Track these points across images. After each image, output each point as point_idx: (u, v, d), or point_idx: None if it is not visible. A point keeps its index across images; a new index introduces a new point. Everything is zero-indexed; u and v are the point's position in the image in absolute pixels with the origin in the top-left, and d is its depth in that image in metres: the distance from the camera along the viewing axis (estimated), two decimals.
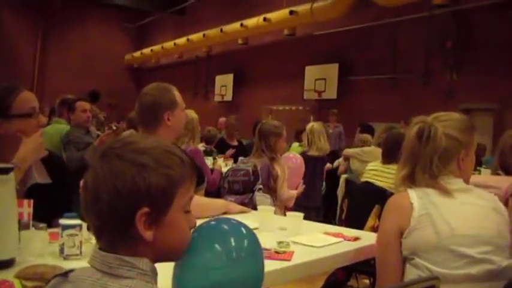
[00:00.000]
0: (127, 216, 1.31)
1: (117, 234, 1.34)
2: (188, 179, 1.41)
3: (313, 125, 6.89)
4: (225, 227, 1.54)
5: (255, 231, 2.72)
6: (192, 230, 1.48)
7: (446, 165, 2.31)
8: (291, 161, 5.56)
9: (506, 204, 2.61)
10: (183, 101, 3.21)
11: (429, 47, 13.34)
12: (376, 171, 4.99)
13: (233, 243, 1.47)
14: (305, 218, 3.00)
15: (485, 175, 3.46)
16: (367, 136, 8.27)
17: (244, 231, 1.54)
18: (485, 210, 2.29)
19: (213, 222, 1.55)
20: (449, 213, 2.22)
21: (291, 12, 15.64)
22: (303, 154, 6.65)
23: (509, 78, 11.94)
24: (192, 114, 5.93)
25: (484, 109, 12.80)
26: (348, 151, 8.11)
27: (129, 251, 1.34)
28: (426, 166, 2.31)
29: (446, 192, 2.27)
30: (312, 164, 6.67)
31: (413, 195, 2.28)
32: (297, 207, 6.40)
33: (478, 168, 6.99)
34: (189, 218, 1.45)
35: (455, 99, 12.80)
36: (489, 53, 12.25)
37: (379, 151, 5.67)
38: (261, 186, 4.33)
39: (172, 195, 1.36)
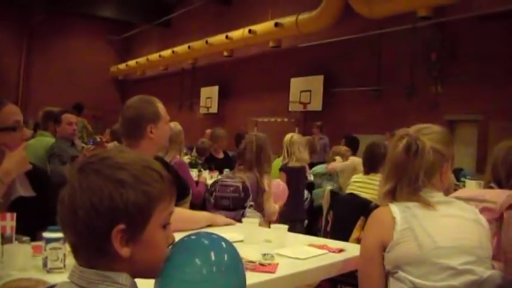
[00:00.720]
0: (103, 232, 1.29)
1: (93, 251, 1.32)
2: (167, 196, 1.39)
3: (292, 136, 6.82)
4: (205, 241, 1.53)
5: (240, 243, 2.75)
6: (172, 244, 1.47)
7: (430, 178, 2.33)
8: (275, 188, 5.46)
9: (501, 217, 2.64)
10: (167, 114, 3.20)
11: (414, 58, 13.41)
12: (361, 183, 5.00)
13: (213, 258, 1.46)
14: (291, 230, 3.00)
15: (481, 189, 3.45)
16: (343, 148, 8.21)
17: (224, 245, 1.53)
18: (466, 222, 2.30)
19: (193, 237, 1.54)
20: (432, 226, 2.22)
21: (276, 24, 15.70)
22: (284, 166, 6.64)
23: (493, 89, 12.03)
24: (177, 126, 5.92)
25: (468, 120, 12.88)
26: (335, 166, 7.89)
27: (106, 267, 1.32)
28: (412, 180, 2.32)
29: (428, 205, 2.27)
30: (294, 175, 6.63)
31: (396, 209, 2.28)
32: (282, 220, 6.45)
33: (462, 179, 7.01)
34: (168, 234, 1.43)
35: (440, 110, 12.87)
36: (473, 65, 12.34)
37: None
38: (252, 203, 4.33)
39: (150, 212, 1.34)
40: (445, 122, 12.72)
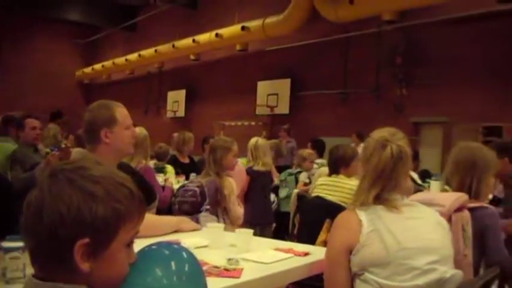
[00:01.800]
0: (66, 243, 1.26)
1: (52, 261, 1.29)
2: (136, 215, 1.37)
3: (257, 140, 6.83)
4: (166, 251, 1.52)
5: (205, 248, 2.73)
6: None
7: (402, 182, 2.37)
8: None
9: (449, 220, 2.67)
10: (127, 119, 3.13)
11: (379, 62, 13.53)
12: (326, 186, 5.01)
13: (174, 267, 1.45)
14: (260, 234, 2.99)
15: (430, 192, 3.51)
16: (306, 151, 8.20)
17: (185, 255, 1.52)
18: (429, 223, 2.34)
19: (154, 246, 1.53)
20: (397, 227, 2.24)
21: (243, 28, 15.71)
22: (249, 169, 6.65)
23: (457, 92, 12.20)
24: (142, 131, 5.86)
25: (433, 122, 13.05)
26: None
27: (64, 279, 1.28)
28: (396, 186, 2.35)
29: (393, 207, 2.29)
30: (259, 179, 6.68)
31: (362, 212, 2.29)
32: (249, 225, 6.45)
33: (427, 180, 7.08)
34: (130, 253, 1.40)
35: (405, 113, 13.01)
36: (437, 68, 12.50)
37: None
38: (208, 207, 4.31)
39: (116, 229, 1.31)
40: (411, 124, 12.87)
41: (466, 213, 2.78)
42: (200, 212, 4.24)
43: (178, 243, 2.51)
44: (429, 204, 2.62)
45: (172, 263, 1.46)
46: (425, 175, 8.04)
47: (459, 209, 2.77)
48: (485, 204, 3.07)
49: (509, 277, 2.92)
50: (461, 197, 2.84)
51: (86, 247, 1.27)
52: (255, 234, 2.93)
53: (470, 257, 2.71)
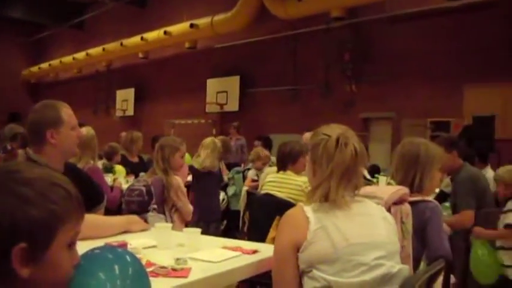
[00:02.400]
0: (2, 250, 1.21)
1: None
2: (74, 215, 1.33)
3: (207, 140, 6.86)
4: (110, 255, 1.50)
5: (153, 249, 2.70)
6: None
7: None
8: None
9: (388, 212, 2.69)
10: (72, 119, 3.08)
11: (328, 59, 13.62)
12: (275, 182, 5.01)
13: (117, 271, 1.43)
14: (205, 232, 2.97)
15: (374, 186, 3.57)
16: (267, 154, 8.20)
17: (128, 258, 1.50)
18: (375, 219, 2.35)
19: (97, 251, 1.50)
20: (344, 224, 2.25)
21: (192, 25, 15.65)
22: (193, 168, 6.72)
23: (405, 88, 12.38)
24: (89, 131, 5.77)
25: (382, 118, 13.19)
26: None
27: (4, 287, 1.24)
28: (357, 183, 2.39)
29: (342, 204, 2.30)
30: (207, 177, 6.70)
31: (309, 208, 2.29)
32: (196, 222, 6.40)
33: (376, 176, 7.16)
34: (73, 254, 1.37)
35: (355, 109, 13.14)
36: (385, 65, 12.66)
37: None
38: (155, 206, 4.28)
39: (54, 232, 1.28)
40: (360, 120, 13.01)
41: (406, 206, 2.81)
42: (148, 211, 4.20)
43: (125, 244, 2.48)
44: (371, 197, 2.65)
45: (116, 267, 1.44)
46: (374, 170, 8.13)
47: (399, 202, 2.79)
48: (427, 198, 3.12)
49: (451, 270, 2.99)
50: (401, 190, 2.86)
51: (23, 252, 1.23)
52: (203, 231, 2.92)
53: (410, 250, 2.74)
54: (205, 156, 6.59)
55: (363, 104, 13.10)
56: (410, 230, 2.77)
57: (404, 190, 2.88)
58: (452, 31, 11.80)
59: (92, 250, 1.50)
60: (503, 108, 11.40)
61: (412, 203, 2.88)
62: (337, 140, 2.36)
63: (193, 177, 6.80)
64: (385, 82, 12.63)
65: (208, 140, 6.87)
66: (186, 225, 6.69)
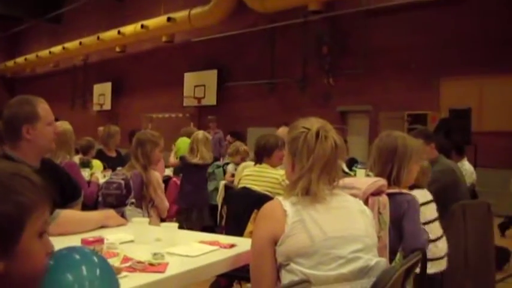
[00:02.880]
0: None
1: None
2: (40, 203, 1.31)
3: (197, 134, 6.92)
4: (77, 256, 1.48)
5: (130, 243, 2.69)
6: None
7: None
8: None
9: (366, 203, 2.72)
10: (49, 114, 3.03)
11: (306, 52, 13.64)
12: (252, 176, 5.01)
13: (85, 273, 1.42)
14: (188, 220, 2.95)
15: (353, 178, 3.58)
16: (246, 149, 8.17)
17: (96, 259, 1.49)
18: (353, 212, 2.35)
19: (64, 252, 1.49)
20: (322, 217, 2.25)
21: (169, 19, 15.58)
22: (185, 161, 6.72)
23: (383, 81, 12.44)
24: (65, 126, 5.71)
25: (359, 111, 13.25)
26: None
27: None
28: (336, 176, 2.37)
29: (320, 197, 2.30)
30: (197, 171, 6.82)
31: (287, 202, 2.29)
32: (181, 209, 6.61)
33: (354, 169, 7.19)
34: (45, 242, 1.35)
35: (332, 102, 13.18)
36: (363, 58, 12.70)
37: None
38: (133, 200, 4.25)
39: (22, 223, 1.26)
40: (338, 113, 13.05)
41: (384, 198, 2.84)
42: (125, 205, 4.18)
43: (101, 240, 2.47)
44: (350, 187, 2.68)
45: (84, 268, 1.43)
46: (352, 163, 8.16)
47: (377, 193, 2.82)
48: (404, 191, 3.14)
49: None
50: (379, 181, 2.89)
51: None
52: (191, 218, 2.92)
53: (386, 240, 2.77)
54: (203, 150, 6.73)
55: (340, 97, 13.15)
56: (387, 221, 2.81)
57: (382, 181, 2.91)
58: (429, 25, 11.87)
59: (60, 251, 1.47)
60: (479, 102, 11.51)
61: (389, 195, 2.91)
62: (318, 133, 2.35)
63: (183, 169, 6.96)
64: (362, 75, 12.68)
65: (200, 133, 6.98)
66: (178, 213, 6.79)
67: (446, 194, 4.91)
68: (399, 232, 2.98)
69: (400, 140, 3.25)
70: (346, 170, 6.63)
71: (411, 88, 12.05)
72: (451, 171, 5.08)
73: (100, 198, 4.34)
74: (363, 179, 3.08)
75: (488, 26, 11.46)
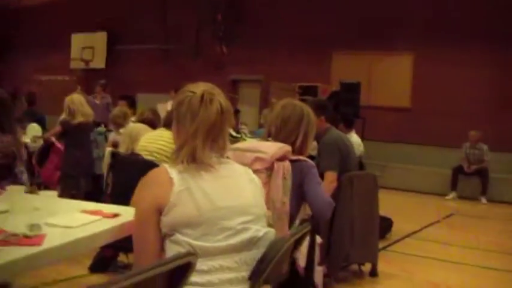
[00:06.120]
0: None
1: None
2: None
3: (72, 97, 6.88)
4: None
5: (4, 214, 2.49)
6: None
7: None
8: None
9: (272, 167, 2.77)
10: None
11: (200, 19, 13.51)
12: (150, 140, 4.94)
13: None
14: (75, 186, 2.80)
15: (258, 141, 3.56)
16: (123, 108, 7.96)
17: None
18: (242, 182, 2.29)
19: None
20: (210, 186, 2.16)
21: None
22: (66, 123, 6.66)
23: (275, 52, 12.55)
24: None
25: (251, 80, 13.33)
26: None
27: None
28: (223, 141, 2.28)
29: (207, 165, 2.20)
30: (79, 131, 6.76)
31: (173, 170, 2.18)
32: (66, 176, 6.42)
33: (243, 137, 7.20)
34: None
35: (225, 70, 13.15)
36: (257, 28, 12.76)
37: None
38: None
39: None
40: (230, 82, 13.05)
41: (288, 164, 2.87)
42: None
43: None
44: (256, 151, 2.69)
45: None
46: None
47: (282, 159, 2.84)
48: (302, 158, 3.19)
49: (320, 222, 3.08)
50: (284, 147, 2.94)
51: None
52: (74, 185, 2.75)
53: (288, 206, 2.79)
54: (83, 107, 6.73)
55: (233, 66, 13.15)
56: (290, 186, 2.85)
57: (288, 147, 2.97)
58: None
59: None
60: (368, 76, 11.83)
61: (291, 162, 2.96)
62: (202, 97, 2.24)
63: (66, 132, 6.79)
64: (255, 45, 12.72)
65: (73, 96, 6.92)
66: (60, 179, 6.56)
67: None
68: (299, 199, 3.05)
69: (305, 109, 3.34)
70: (234, 134, 6.64)
71: (303, 60, 12.21)
72: (342, 142, 5.15)
73: None
74: (267, 143, 3.11)
75: (379, 4, 11.73)
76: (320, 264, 4.87)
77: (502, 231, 8.86)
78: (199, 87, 2.30)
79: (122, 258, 5.01)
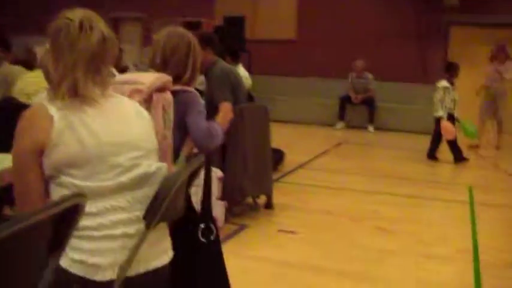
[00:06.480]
0: None
1: None
2: None
3: None
4: None
5: None
6: None
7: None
8: None
9: (150, 99, 2.62)
10: None
11: None
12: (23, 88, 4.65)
13: None
14: None
15: (136, 73, 3.37)
16: None
17: None
18: (130, 116, 2.14)
19: None
20: (94, 122, 1.98)
21: None
22: None
23: None
24: None
25: (132, 18, 13.08)
26: None
27: None
28: (107, 73, 2.10)
29: (90, 100, 2.00)
30: None
31: (52, 106, 1.96)
32: None
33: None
34: None
35: (104, 8, 12.66)
36: None
37: None
38: None
39: None
40: (110, 20, 12.60)
41: (169, 95, 2.72)
42: None
43: None
44: (132, 83, 2.54)
45: None
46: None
47: (162, 90, 2.68)
48: (187, 88, 3.07)
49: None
50: (164, 77, 2.75)
51: None
52: None
53: (170, 139, 2.66)
54: None
55: (113, 2, 12.71)
56: (172, 119, 2.70)
57: (167, 77, 2.76)
58: None
59: None
60: (253, 11, 11.75)
61: (173, 93, 2.79)
62: (81, 24, 2.02)
63: None
64: None
65: None
66: None
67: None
68: (183, 132, 2.97)
69: (192, 38, 3.16)
70: (117, 73, 6.45)
71: None
72: (232, 74, 5.10)
73: None
74: (146, 74, 2.86)
75: None
76: (221, 198, 4.84)
77: (387, 156, 9.16)
78: (77, 14, 2.07)
79: (7, 212, 4.75)
